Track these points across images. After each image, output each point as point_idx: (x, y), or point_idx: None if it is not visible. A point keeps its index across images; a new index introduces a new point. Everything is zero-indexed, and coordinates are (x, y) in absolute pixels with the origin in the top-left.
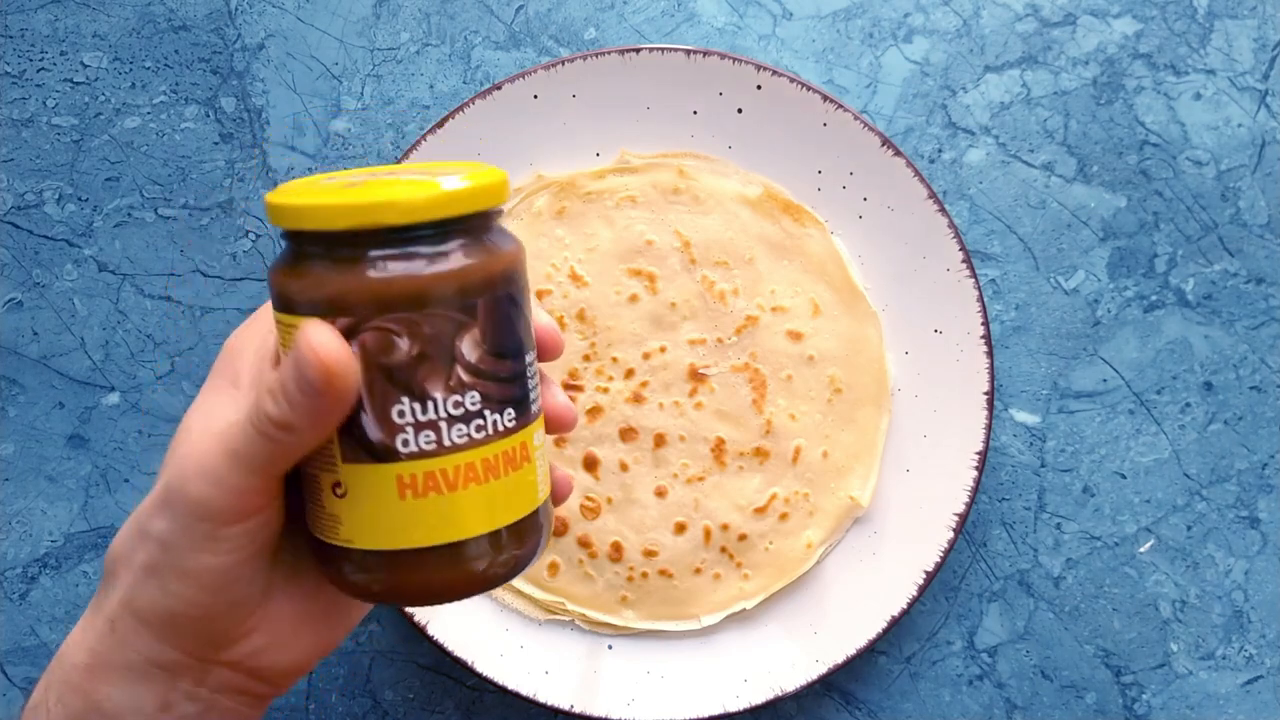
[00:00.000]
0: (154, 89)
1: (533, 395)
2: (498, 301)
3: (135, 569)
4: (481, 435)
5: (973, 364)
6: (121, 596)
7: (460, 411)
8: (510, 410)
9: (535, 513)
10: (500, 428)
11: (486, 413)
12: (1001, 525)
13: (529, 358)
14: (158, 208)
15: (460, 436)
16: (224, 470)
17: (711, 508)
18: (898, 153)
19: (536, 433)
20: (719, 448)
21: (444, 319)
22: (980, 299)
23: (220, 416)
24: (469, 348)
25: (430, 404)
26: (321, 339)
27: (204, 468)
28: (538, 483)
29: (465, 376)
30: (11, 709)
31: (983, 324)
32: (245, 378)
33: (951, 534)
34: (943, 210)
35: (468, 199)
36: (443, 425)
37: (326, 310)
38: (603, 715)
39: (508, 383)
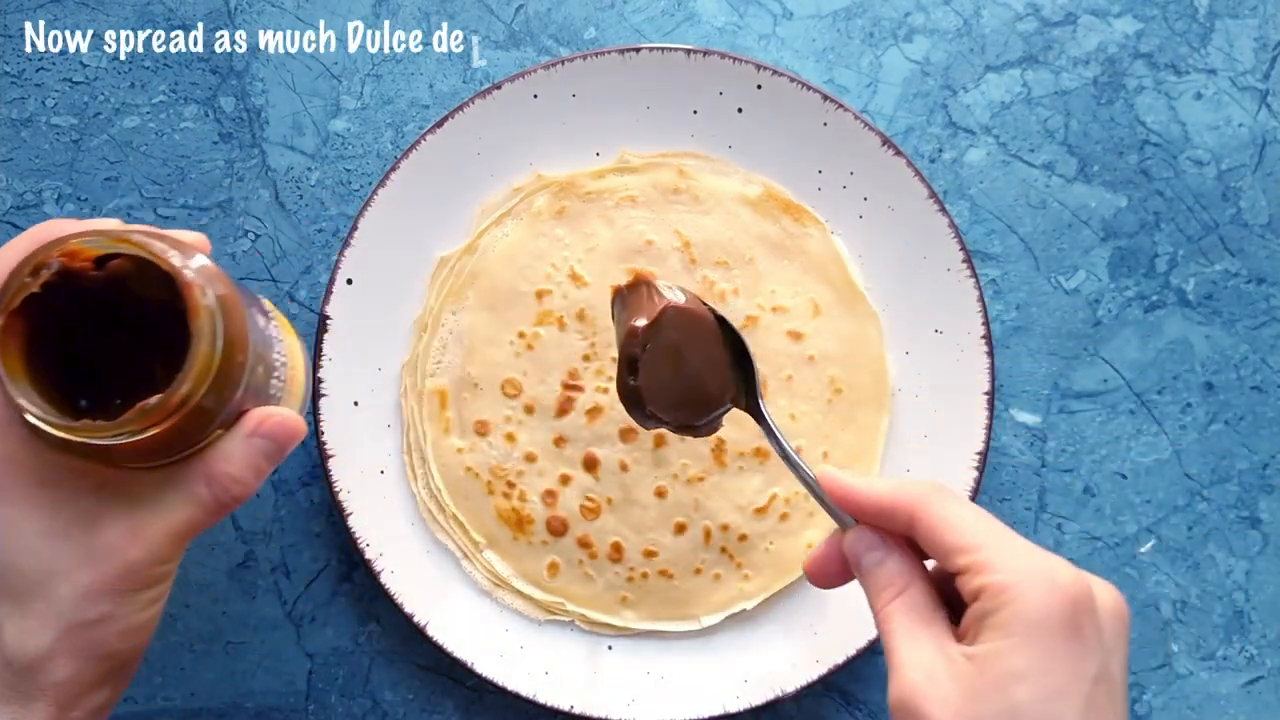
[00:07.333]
0: (153, 89)
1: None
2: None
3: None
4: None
5: (973, 364)
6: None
7: None
8: None
9: None
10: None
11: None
12: None
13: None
14: (157, 207)
15: None
16: (170, 551)
17: (712, 508)
18: (898, 152)
19: None
20: (719, 448)
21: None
22: (981, 299)
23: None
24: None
25: None
26: (294, 421)
27: (146, 558)
28: None
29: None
30: None
31: (983, 324)
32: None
33: None
34: (943, 210)
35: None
36: None
37: None
38: (602, 715)
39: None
